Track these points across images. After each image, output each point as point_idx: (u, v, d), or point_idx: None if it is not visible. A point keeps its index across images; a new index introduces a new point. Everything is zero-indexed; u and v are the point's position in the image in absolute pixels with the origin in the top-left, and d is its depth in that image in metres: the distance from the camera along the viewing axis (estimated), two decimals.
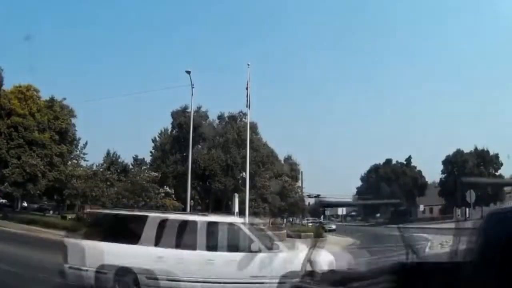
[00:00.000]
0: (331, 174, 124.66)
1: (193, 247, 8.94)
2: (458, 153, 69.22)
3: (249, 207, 36.07)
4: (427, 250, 23.36)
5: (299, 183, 53.03)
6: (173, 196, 37.49)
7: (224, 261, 8.92)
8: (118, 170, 45.86)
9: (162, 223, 9.28)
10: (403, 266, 3.38)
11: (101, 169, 37.98)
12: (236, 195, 35.59)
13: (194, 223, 9.35)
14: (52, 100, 39.21)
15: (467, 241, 2.42)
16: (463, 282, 2.39)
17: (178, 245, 9.01)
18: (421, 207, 79.07)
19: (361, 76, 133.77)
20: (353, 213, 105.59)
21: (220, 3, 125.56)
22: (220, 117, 49.49)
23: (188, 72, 26.08)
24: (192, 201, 33.04)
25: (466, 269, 2.40)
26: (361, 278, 2.97)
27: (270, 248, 9.18)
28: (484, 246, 2.40)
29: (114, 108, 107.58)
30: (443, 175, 71.32)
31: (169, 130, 48.87)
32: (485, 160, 67.70)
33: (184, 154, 40.43)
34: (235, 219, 11.49)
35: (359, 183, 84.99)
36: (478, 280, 2.31)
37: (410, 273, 3.22)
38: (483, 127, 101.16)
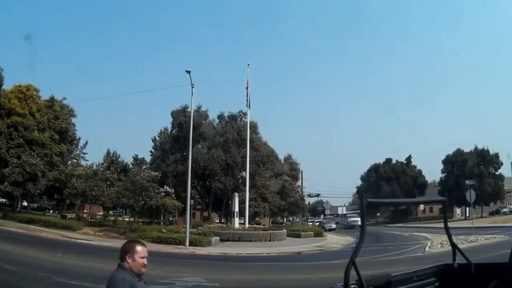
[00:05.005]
0: (332, 174, 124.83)
1: None
2: (458, 152, 69.14)
3: (249, 206, 36.10)
4: (427, 249, 23.36)
5: (299, 183, 53.03)
6: (173, 195, 37.47)
7: None
8: (118, 170, 45.91)
9: None
10: (449, 267, 3.29)
11: (101, 169, 37.96)
12: (236, 194, 35.64)
13: None
14: (52, 99, 39.16)
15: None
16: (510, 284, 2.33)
17: None
18: (421, 207, 79.08)
19: (362, 77, 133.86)
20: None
21: (221, 3, 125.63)
22: (220, 116, 49.53)
23: (188, 72, 25.99)
24: (192, 200, 33.02)
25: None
26: (406, 280, 2.97)
27: None
28: None
29: (114, 108, 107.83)
30: (443, 174, 71.30)
31: (169, 130, 48.90)
32: (485, 160, 67.62)
33: (184, 153, 40.42)
34: None
35: (359, 182, 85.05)
36: None
37: (456, 275, 3.15)
38: (483, 127, 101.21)
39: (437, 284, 3.15)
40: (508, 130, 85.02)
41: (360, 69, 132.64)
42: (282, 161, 55.51)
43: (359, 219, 51.37)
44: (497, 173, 67.44)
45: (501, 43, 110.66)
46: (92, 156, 78.70)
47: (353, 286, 2.32)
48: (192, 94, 27.38)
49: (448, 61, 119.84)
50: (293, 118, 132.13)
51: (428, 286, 3.10)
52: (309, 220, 64.94)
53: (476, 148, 68.65)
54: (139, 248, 3.03)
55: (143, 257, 2.99)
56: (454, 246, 3.25)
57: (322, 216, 77.09)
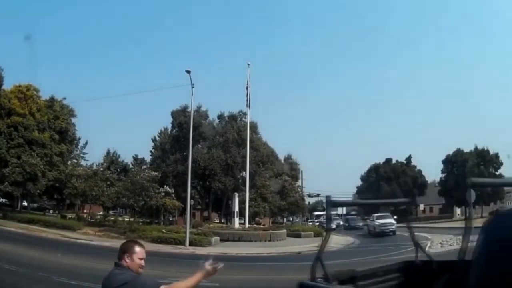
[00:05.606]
0: (331, 174, 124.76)
1: None
2: (458, 152, 69.11)
3: (249, 206, 36.13)
4: (427, 249, 23.34)
5: (299, 183, 53.07)
6: (173, 195, 37.50)
7: None
8: (118, 170, 45.94)
9: None
10: (412, 264, 3.54)
11: (101, 169, 37.99)
12: (236, 194, 35.67)
13: None
14: (52, 99, 39.18)
15: (475, 240, 2.56)
16: (467, 281, 2.47)
17: None
18: (421, 206, 79.10)
19: (362, 76, 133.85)
20: (353, 212, 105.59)
21: (222, 3, 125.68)
22: (220, 116, 49.60)
23: (188, 72, 26.03)
24: (192, 200, 33.04)
25: (471, 268, 2.49)
26: (371, 275, 3.21)
27: None
28: (489, 246, 2.45)
29: (114, 108, 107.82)
30: (443, 175, 71.29)
31: (169, 130, 48.95)
32: (485, 160, 67.59)
33: (184, 153, 40.45)
34: None
35: (359, 182, 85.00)
36: (481, 280, 2.37)
37: (418, 271, 3.38)
38: (483, 127, 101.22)
39: (400, 279, 3.38)
40: (508, 130, 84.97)
41: (360, 69, 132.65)
42: (282, 161, 55.55)
43: (392, 221, 36.39)
44: (497, 173, 67.39)
45: (502, 43, 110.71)
46: (92, 156, 78.59)
47: (319, 279, 2.57)
48: (192, 94, 27.45)
49: (448, 62, 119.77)
50: (293, 118, 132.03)
51: (392, 281, 3.32)
52: (309, 220, 65.04)
53: (476, 148, 68.62)
54: (137, 249, 3.04)
55: (141, 258, 3.02)
56: (416, 244, 3.50)
57: (314, 214, 76.11)
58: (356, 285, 2.96)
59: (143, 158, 53.76)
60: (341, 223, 56.86)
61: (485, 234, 2.46)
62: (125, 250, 3.01)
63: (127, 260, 2.97)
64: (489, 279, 2.32)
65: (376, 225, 37.13)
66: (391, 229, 35.71)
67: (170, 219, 41.68)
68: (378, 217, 37.72)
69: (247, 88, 34.36)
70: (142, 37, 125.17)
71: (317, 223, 59.22)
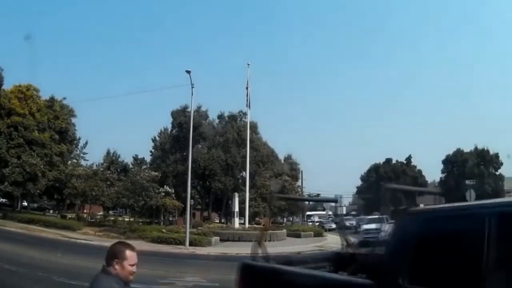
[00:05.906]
0: (331, 174, 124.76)
1: None
2: (458, 152, 69.14)
3: (249, 206, 36.15)
4: None
5: (299, 183, 53.06)
6: (173, 195, 37.53)
7: None
8: (118, 170, 45.96)
9: None
10: (338, 255, 4.19)
11: (101, 169, 38.00)
12: (236, 194, 35.70)
13: None
14: (52, 99, 39.19)
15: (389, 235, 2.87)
16: (382, 271, 2.75)
17: None
18: (421, 207, 78.99)
19: (362, 76, 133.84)
20: (353, 212, 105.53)
21: (222, 3, 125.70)
22: (220, 116, 49.63)
23: (188, 72, 26.03)
24: (192, 200, 33.05)
25: (385, 260, 2.78)
26: (304, 261, 3.89)
27: None
28: (399, 241, 2.73)
29: (114, 108, 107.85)
30: (443, 175, 71.29)
31: (169, 130, 48.97)
32: (485, 160, 67.61)
33: (184, 153, 40.46)
34: None
35: (359, 182, 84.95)
36: (390, 273, 2.65)
37: (342, 261, 3.97)
38: (483, 127, 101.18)
39: (328, 266, 4.03)
40: (508, 130, 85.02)
41: (360, 69, 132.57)
42: (282, 161, 55.56)
43: (383, 227, 33.81)
44: (497, 173, 67.41)
45: (502, 43, 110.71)
46: (92, 156, 78.49)
47: (260, 260, 3.11)
48: (192, 94, 27.45)
49: (448, 62, 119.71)
50: (293, 118, 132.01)
51: (322, 268, 3.94)
52: (309, 220, 64.97)
53: (476, 148, 68.59)
54: (129, 253, 2.68)
55: (132, 265, 2.68)
56: (345, 239, 4.21)
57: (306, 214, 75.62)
58: (290, 266, 3.54)
59: (143, 158, 53.86)
60: (354, 223, 56.21)
61: (394, 230, 2.78)
62: (114, 255, 2.67)
63: (117, 267, 2.64)
64: (396, 272, 2.57)
65: (360, 231, 28.97)
66: (374, 238, 23.64)
67: (170, 219, 41.68)
68: (369, 221, 31.11)
69: (247, 88, 34.38)
70: (142, 37, 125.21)
71: (317, 223, 59.16)
